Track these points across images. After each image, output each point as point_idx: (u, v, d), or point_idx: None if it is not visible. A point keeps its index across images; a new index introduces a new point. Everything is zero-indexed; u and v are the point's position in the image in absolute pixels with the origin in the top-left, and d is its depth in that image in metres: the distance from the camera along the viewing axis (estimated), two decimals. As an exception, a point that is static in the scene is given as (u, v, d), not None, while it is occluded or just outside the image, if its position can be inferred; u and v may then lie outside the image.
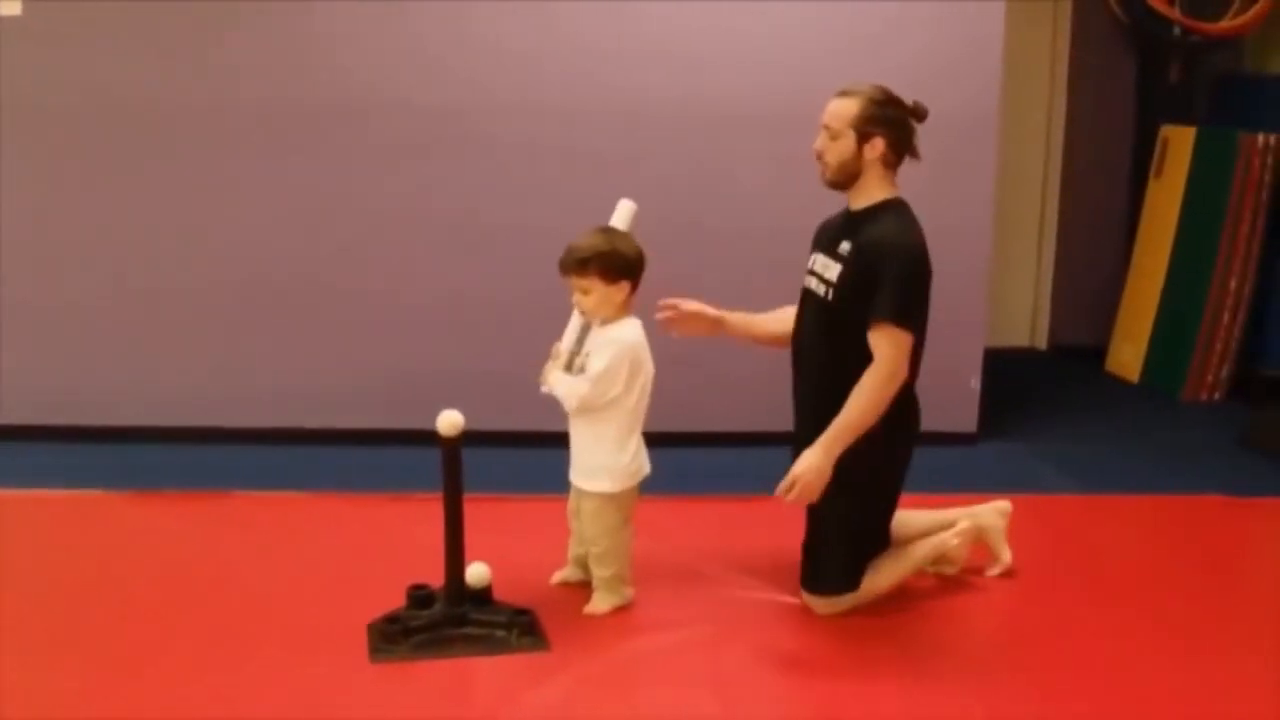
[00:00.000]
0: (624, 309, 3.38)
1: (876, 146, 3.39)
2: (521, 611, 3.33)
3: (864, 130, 3.37)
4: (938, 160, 5.11)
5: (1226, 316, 5.99)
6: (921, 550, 3.66)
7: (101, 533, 3.98)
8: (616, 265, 3.31)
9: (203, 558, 3.79)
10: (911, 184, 4.99)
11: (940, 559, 3.73)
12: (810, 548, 3.51)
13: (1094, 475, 4.92)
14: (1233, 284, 5.96)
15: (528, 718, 2.97)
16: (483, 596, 3.33)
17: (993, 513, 3.80)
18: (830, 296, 3.41)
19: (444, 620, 3.27)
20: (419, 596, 3.31)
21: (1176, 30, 6.28)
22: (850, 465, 3.30)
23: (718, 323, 3.71)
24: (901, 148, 3.42)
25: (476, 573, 3.32)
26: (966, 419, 5.19)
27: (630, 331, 3.36)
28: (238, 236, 4.92)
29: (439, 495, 3.27)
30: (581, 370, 3.37)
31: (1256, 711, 3.09)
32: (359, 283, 4.98)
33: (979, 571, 3.80)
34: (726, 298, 4.99)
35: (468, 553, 3.29)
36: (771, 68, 4.91)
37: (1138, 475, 4.94)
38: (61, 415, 4.93)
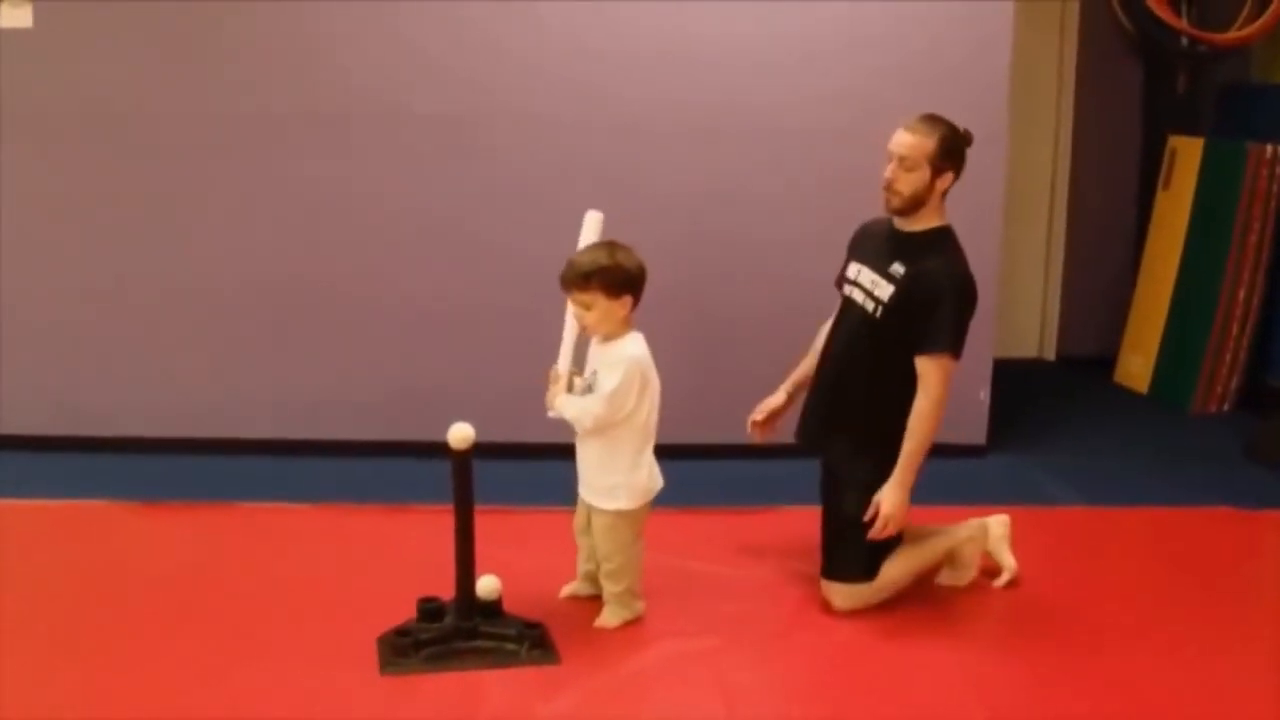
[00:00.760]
0: (626, 324, 3.38)
1: (946, 180, 3.53)
2: (532, 624, 3.33)
3: (939, 165, 3.48)
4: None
5: (1235, 328, 5.98)
6: (935, 544, 3.76)
7: (108, 543, 3.98)
8: (619, 279, 3.30)
9: (210, 569, 3.79)
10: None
11: (954, 561, 3.79)
12: (830, 539, 3.64)
13: (1102, 487, 4.91)
14: (1241, 295, 5.95)
15: (538, 731, 2.97)
16: (493, 609, 3.33)
17: (991, 522, 3.87)
18: (879, 314, 3.53)
19: (454, 633, 3.27)
20: (429, 609, 3.32)
21: (1184, 40, 6.27)
22: (869, 462, 3.50)
23: (789, 401, 3.87)
24: (958, 176, 3.56)
25: (487, 585, 3.32)
26: (975, 431, 5.18)
27: (636, 346, 3.37)
28: (242, 246, 4.91)
29: (448, 507, 3.27)
30: (588, 389, 3.37)
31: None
32: (366, 293, 4.98)
33: (987, 581, 3.80)
34: (729, 305, 5.04)
35: (478, 565, 3.29)
36: (775, 73, 4.90)
37: (1146, 487, 4.92)
38: (66, 426, 4.92)
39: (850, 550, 3.59)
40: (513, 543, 3.64)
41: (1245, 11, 6.12)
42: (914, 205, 3.52)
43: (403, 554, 3.88)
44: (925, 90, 4.97)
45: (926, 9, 4.92)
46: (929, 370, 3.44)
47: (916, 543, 3.73)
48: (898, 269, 3.52)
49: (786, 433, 3.86)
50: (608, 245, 3.36)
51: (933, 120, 3.52)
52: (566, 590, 3.61)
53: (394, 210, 4.93)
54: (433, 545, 3.42)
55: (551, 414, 3.41)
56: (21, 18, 4.61)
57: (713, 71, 4.90)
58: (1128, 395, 6.32)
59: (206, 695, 3.06)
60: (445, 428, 3.23)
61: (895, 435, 3.47)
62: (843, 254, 3.79)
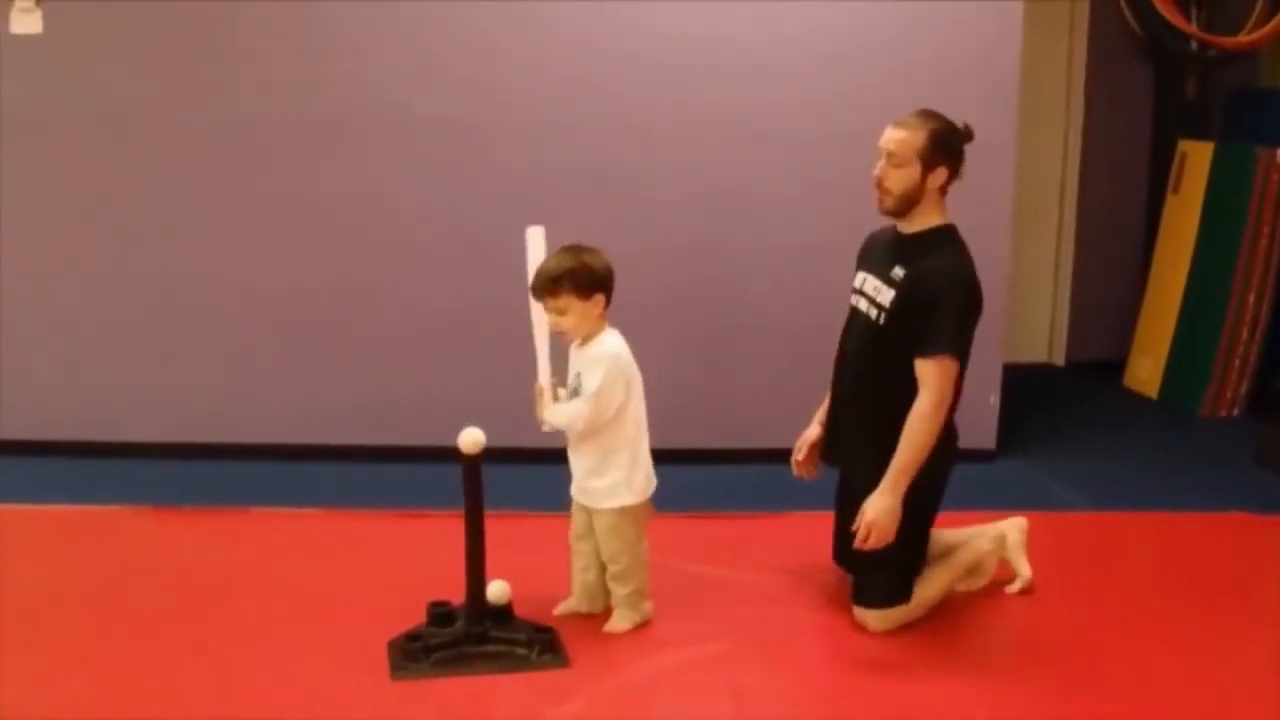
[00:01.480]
0: (601, 322, 3.39)
1: (940, 176, 3.44)
2: (542, 629, 3.33)
3: (930, 160, 3.41)
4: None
5: (1245, 332, 5.97)
6: (961, 558, 3.73)
7: (117, 549, 3.99)
8: (589, 279, 3.32)
9: (220, 574, 3.80)
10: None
11: (973, 568, 3.77)
12: (861, 566, 3.55)
13: (1112, 492, 4.90)
14: (1251, 299, 5.94)
15: (549, 735, 2.98)
16: (503, 613, 3.34)
17: (1011, 529, 3.84)
18: (882, 320, 3.47)
19: (465, 638, 3.27)
20: (439, 614, 3.32)
21: (1193, 44, 6.27)
22: (919, 481, 3.40)
23: (825, 432, 3.77)
24: (955, 173, 3.47)
25: (497, 590, 3.32)
26: (985, 436, 5.17)
27: (615, 343, 3.38)
28: (249, 251, 4.93)
29: (458, 512, 3.28)
30: (575, 394, 3.38)
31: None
32: (375, 298, 4.99)
33: (998, 587, 3.80)
34: (737, 310, 5.04)
35: (488, 570, 3.29)
36: (781, 77, 4.90)
37: (1155, 492, 4.92)
38: (74, 431, 4.93)
39: (882, 575, 3.51)
40: (523, 547, 3.64)
41: (1255, 15, 6.12)
42: (907, 204, 3.46)
43: (413, 559, 3.89)
44: (933, 94, 4.97)
45: (934, 12, 4.92)
46: (927, 372, 3.36)
47: (945, 559, 3.70)
48: (898, 272, 3.46)
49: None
50: (573, 248, 3.37)
51: (923, 115, 3.46)
52: (562, 608, 3.55)
53: (401, 215, 4.94)
54: (443, 550, 3.43)
55: (546, 428, 3.42)
56: (32, 24, 4.62)
57: (718, 75, 4.90)
58: (1137, 400, 6.31)
59: (216, 700, 3.06)
60: (455, 432, 3.23)
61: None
62: (851, 257, 3.76)
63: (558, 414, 3.37)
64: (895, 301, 3.44)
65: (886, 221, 3.59)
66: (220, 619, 3.48)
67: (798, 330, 4.84)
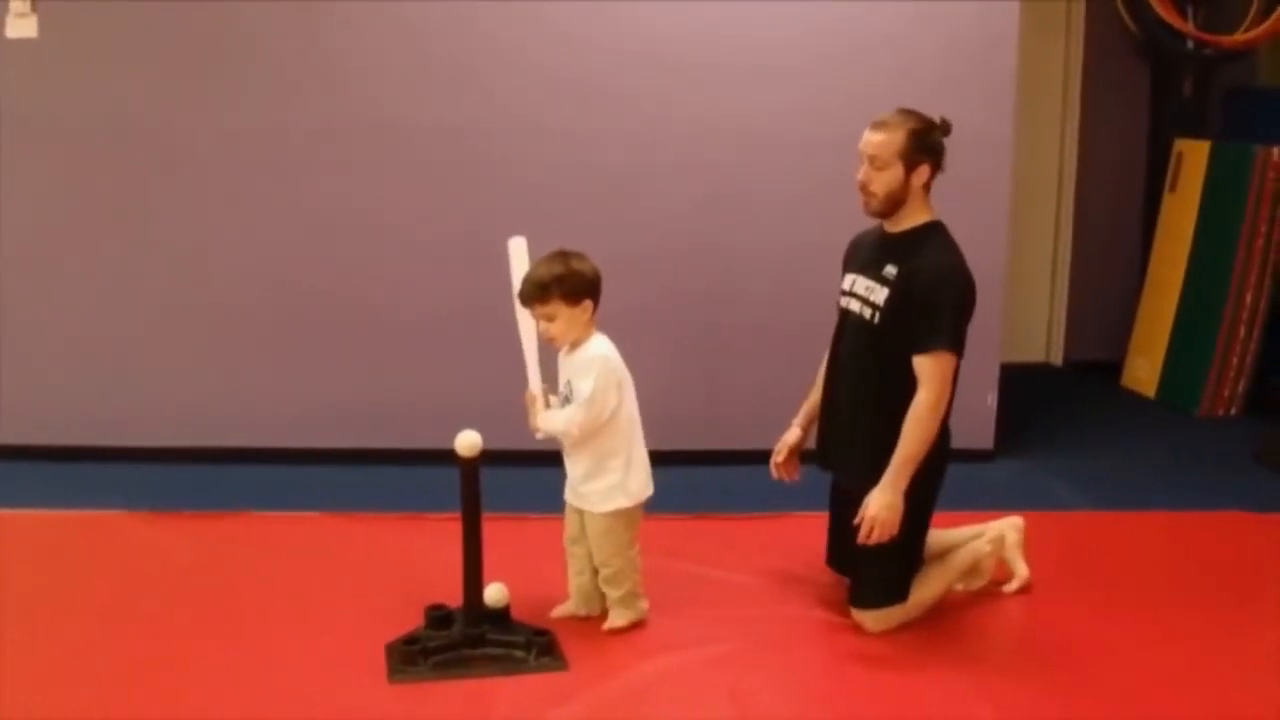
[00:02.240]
0: (589, 328, 3.38)
1: (922, 174, 3.45)
2: (540, 631, 3.33)
3: (911, 160, 3.42)
4: (951, 175, 5.12)
5: (1243, 331, 5.97)
6: (959, 559, 3.72)
7: (115, 553, 3.98)
8: (577, 286, 3.31)
9: (217, 578, 3.79)
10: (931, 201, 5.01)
11: (972, 569, 3.76)
12: (857, 567, 3.56)
13: (1110, 491, 4.90)
14: (1248, 298, 5.94)
15: (547, 738, 2.97)
16: (501, 616, 3.33)
17: (1004, 526, 3.84)
18: (878, 320, 3.46)
19: (462, 640, 3.27)
20: (437, 617, 3.32)
21: (1190, 43, 6.27)
22: (914, 481, 3.39)
23: (804, 434, 3.78)
24: (937, 169, 3.49)
25: (494, 593, 3.32)
26: (982, 436, 5.18)
27: (604, 346, 3.38)
28: (249, 256, 4.93)
29: (456, 515, 3.28)
30: (567, 400, 3.37)
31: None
32: (374, 302, 4.99)
33: (997, 586, 3.80)
34: (739, 313, 5.04)
35: (486, 573, 3.29)
36: (778, 80, 4.91)
37: (1154, 491, 4.92)
38: (74, 436, 4.93)
39: (879, 576, 3.51)
40: (521, 550, 3.63)
41: (1251, 14, 6.12)
42: (893, 205, 3.46)
43: (411, 562, 3.88)
44: (931, 94, 4.97)
45: (932, 12, 4.92)
46: (926, 368, 3.36)
47: (943, 560, 3.69)
48: (890, 270, 3.45)
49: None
50: (560, 254, 3.35)
51: (901, 114, 3.46)
52: (559, 611, 3.55)
53: (398, 220, 4.94)
54: (441, 553, 3.42)
55: (539, 435, 3.42)
56: (27, 28, 4.62)
57: (716, 77, 4.91)
58: (1135, 399, 6.31)
59: (215, 703, 3.06)
60: (453, 435, 3.23)
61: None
62: (849, 261, 3.77)
63: (552, 421, 3.37)
64: (890, 299, 3.43)
65: (873, 224, 3.60)
66: (218, 622, 3.48)
67: (797, 331, 4.82)
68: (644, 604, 3.50)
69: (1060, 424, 5.83)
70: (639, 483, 3.42)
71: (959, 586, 3.77)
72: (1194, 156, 6.18)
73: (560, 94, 4.89)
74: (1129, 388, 6.44)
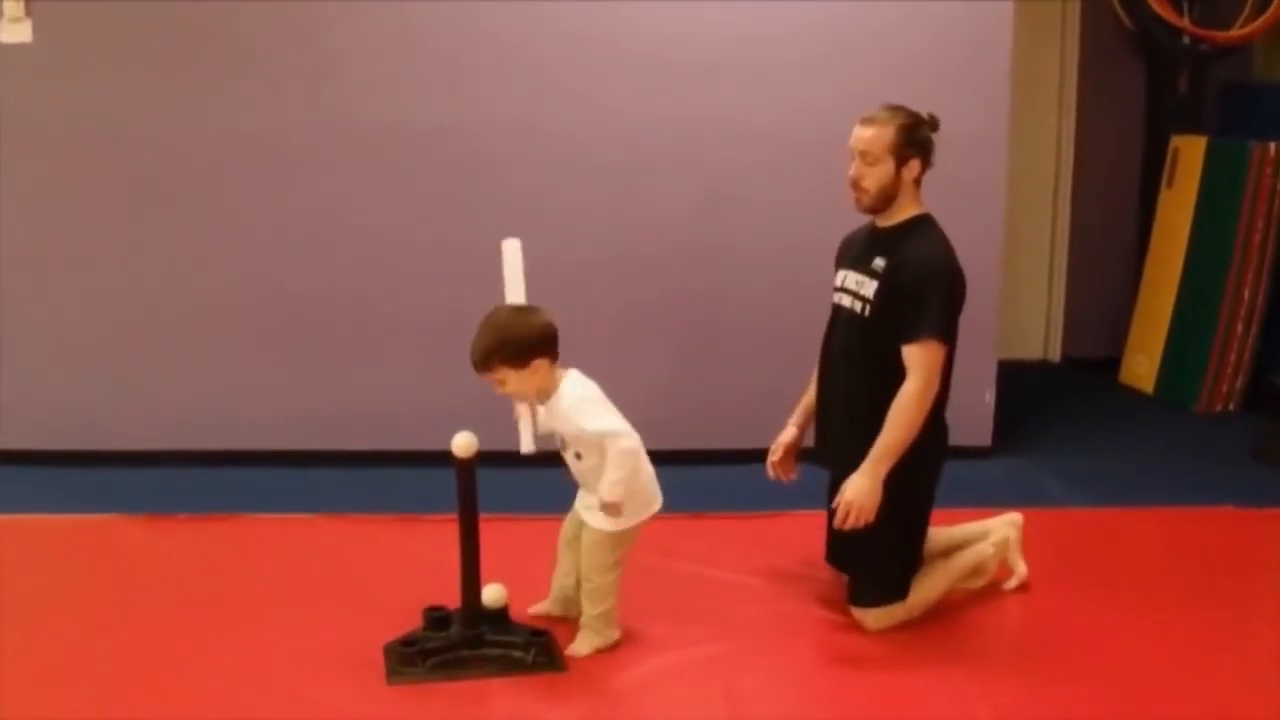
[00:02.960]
0: (551, 376, 3.26)
1: (913, 168, 3.47)
2: (538, 632, 3.33)
3: (902, 154, 3.44)
4: (948, 172, 5.11)
5: (1240, 327, 5.97)
6: (963, 560, 3.71)
7: (112, 557, 3.99)
8: (520, 349, 3.19)
9: (214, 581, 3.79)
10: (924, 199, 5.00)
11: (975, 570, 3.76)
12: (855, 566, 3.56)
13: (1108, 488, 4.90)
14: (1246, 294, 5.94)
15: (545, 739, 2.97)
16: (499, 617, 3.33)
17: (1005, 525, 3.83)
18: (868, 313, 3.47)
19: (461, 642, 3.27)
20: (435, 618, 3.32)
21: (1185, 39, 6.27)
22: (889, 483, 3.37)
23: (801, 432, 3.77)
24: (927, 163, 3.50)
25: (492, 594, 3.32)
26: (980, 433, 5.18)
27: (577, 388, 3.28)
28: (248, 259, 4.92)
29: (453, 516, 3.27)
30: (577, 456, 3.31)
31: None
32: (371, 305, 4.99)
33: (996, 584, 3.80)
34: (735, 312, 5.04)
35: (483, 574, 3.29)
36: (772, 79, 4.91)
37: (1152, 487, 4.91)
38: (72, 440, 4.93)
39: (877, 574, 3.51)
40: (519, 551, 3.62)
41: (1247, 10, 6.12)
42: (884, 200, 3.48)
43: (409, 563, 3.89)
44: (926, 92, 4.97)
45: (926, 11, 4.92)
46: (915, 357, 3.35)
47: (946, 560, 3.68)
48: (879, 263, 3.46)
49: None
50: (494, 321, 3.25)
51: (889, 110, 3.48)
52: (536, 609, 3.52)
53: (397, 222, 4.94)
54: (439, 554, 3.42)
55: (526, 450, 3.34)
56: (21, 33, 4.63)
57: (712, 76, 4.90)
58: (1133, 396, 6.31)
59: (213, 706, 3.06)
60: (449, 436, 3.23)
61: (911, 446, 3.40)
62: (844, 260, 3.76)
63: (600, 511, 3.26)
64: (879, 292, 3.44)
65: (866, 222, 3.61)
66: (216, 625, 3.48)
67: (795, 330, 4.81)
68: (616, 633, 3.40)
69: (1058, 421, 5.83)
70: (643, 501, 3.35)
71: (959, 585, 3.75)
72: (1190, 152, 6.18)
73: (558, 95, 4.89)
74: (1127, 384, 6.44)
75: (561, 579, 3.51)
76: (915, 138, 3.45)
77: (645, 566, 3.55)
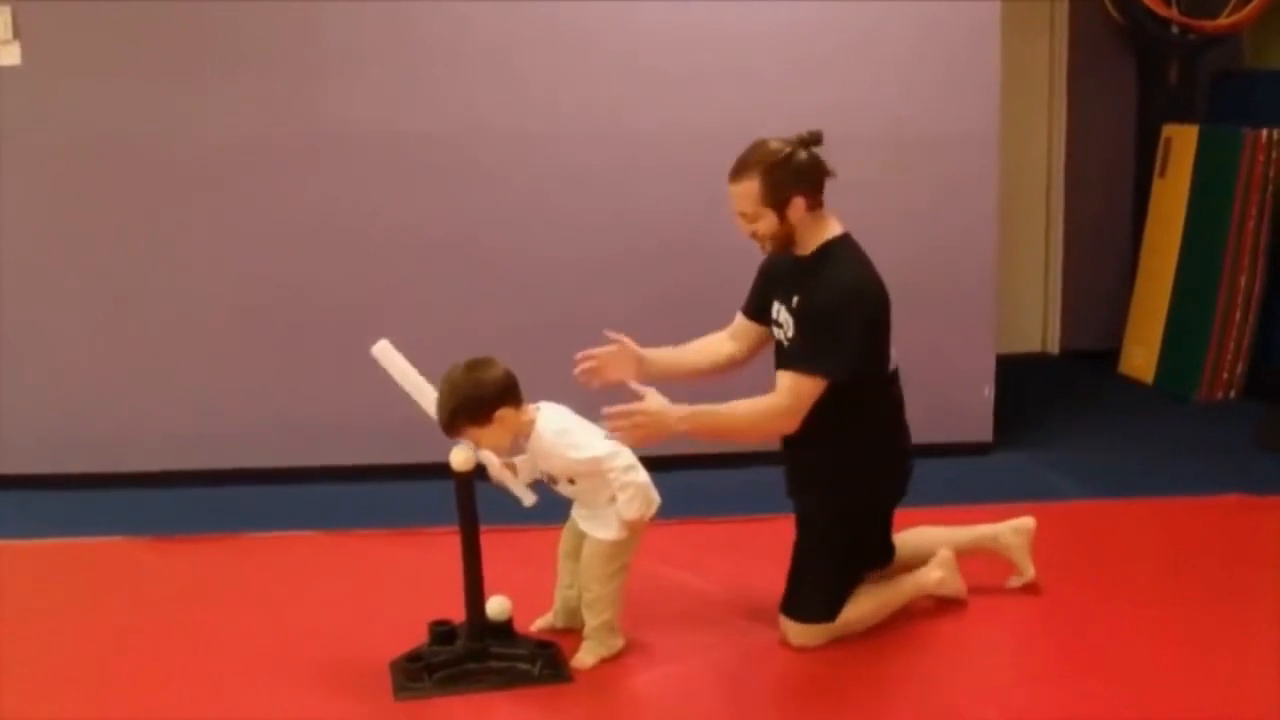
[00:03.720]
0: (521, 422, 3.24)
1: (798, 206, 3.28)
2: (544, 644, 3.32)
3: (777, 200, 3.26)
4: (940, 169, 5.13)
5: (1238, 314, 5.96)
6: (904, 588, 3.58)
7: (115, 578, 3.98)
8: (479, 407, 3.16)
9: (218, 600, 3.78)
10: (915, 193, 5.01)
11: (938, 590, 3.63)
12: (794, 575, 3.47)
13: (1110, 480, 4.90)
14: (1242, 281, 5.94)
15: (554, 750, 2.97)
16: (504, 629, 3.32)
17: (1011, 532, 3.74)
18: (791, 348, 3.37)
19: (466, 655, 3.25)
20: (440, 632, 3.30)
21: (1174, 29, 6.27)
22: (813, 497, 3.37)
23: (640, 361, 3.57)
24: (818, 186, 3.32)
25: (497, 606, 3.31)
26: (981, 428, 5.18)
27: (553, 422, 3.25)
28: (244, 273, 4.91)
29: (455, 529, 3.26)
30: (571, 482, 3.29)
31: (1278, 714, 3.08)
32: (369, 317, 4.96)
33: (1000, 580, 3.78)
34: (728, 315, 5.01)
35: (487, 586, 3.28)
36: (762, 81, 4.90)
37: (1154, 478, 4.91)
38: (71, 463, 4.92)
39: (808, 589, 3.41)
40: (522, 562, 3.62)
41: (1234, -1, 6.13)
42: (787, 242, 3.34)
43: (413, 578, 3.88)
44: (914, 91, 4.99)
45: (913, 8, 4.91)
46: (785, 383, 3.25)
47: (882, 584, 3.55)
48: (795, 300, 3.33)
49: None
50: (459, 376, 3.21)
51: (752, 157, 3.28)
52: (540, 623, 3.51)
53: (395, 232, 4.94)
54: (443, 568, 3.41)
55: (528, 503, 3.32)
56: (10, 56, 4.63)
57: (703, 80, 4.89)
58: (1133, 386, 6.31)
59: (220, 727, 3.06)
60: (448, 450, 3.21)
61: (835, 468, 3.36)
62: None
63: (631, 512, 3.23)
64: (795, 329, 3.33)
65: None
66: (221, 644, 3.47)
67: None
68: (619, 642, 3.38)
69: (1058, 414, 5.83)
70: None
71: (943, 591, 3.65)
72: (1183, 142, 6.18)
73: (556, 100, 4.89)
74: (1126, 375, 6.44)
75: (564, 591, 3.50)
76: (787, 175, 3.25)
77: (647, 574, 3.54)
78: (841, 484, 3.38)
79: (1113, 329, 6.57)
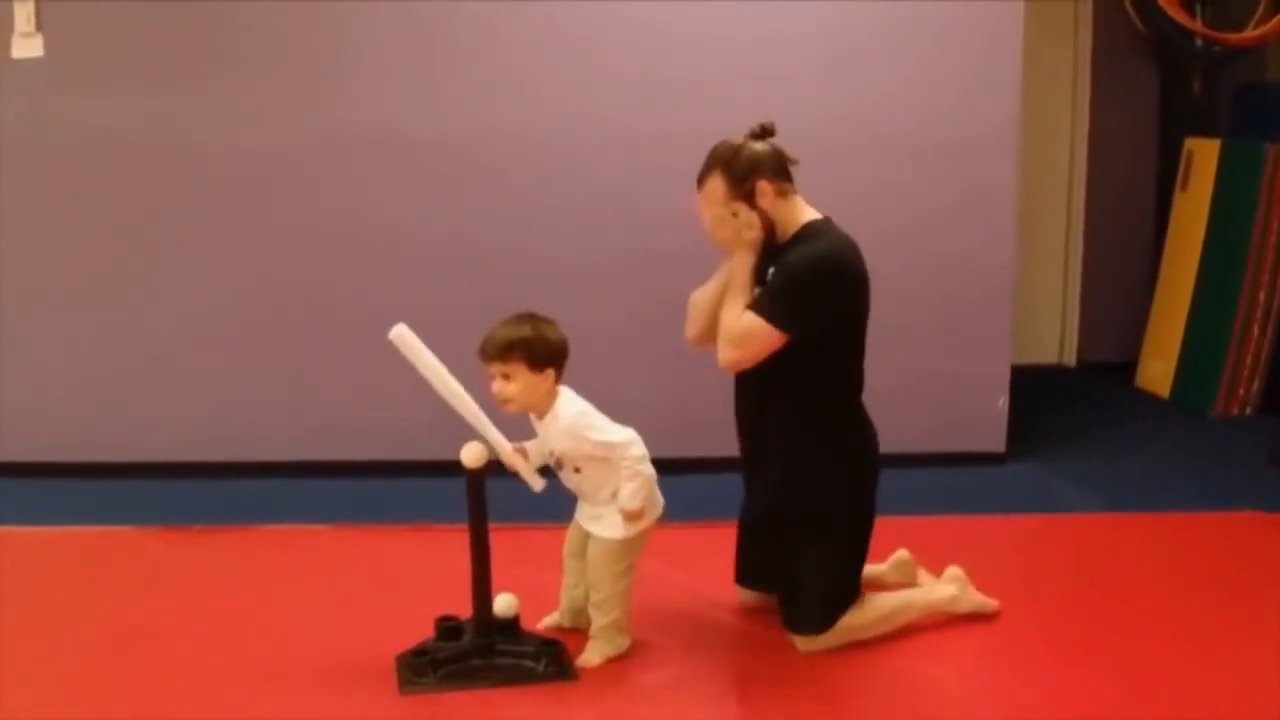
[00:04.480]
0: (552, 396, 3.25)
1: (765, 191, 3.29)
2: (550, 641, 3.32)
3: (744, 190, 3.29)
4: (959, 174, 5.10)
5: (1256, 330, 5.93)
6: (914, 600, 3.57)
7: (124, 568, 3.99)
8: (543, 351, 3.18)
9: (226, 593, 3.79)
10: (933, 198, 4.99)
11: (952, 608, 3.60)
12: (788, 590, 3.46)
13: (1124, 493, 4.87)
14: (1261, 296, 5.90)
15: (557, 749, 2.96)
16: (510, 627, 3.32)
17: (951, 583, 3.65)
18: None
19: (472, 651, 3.26)
20: (447, 628, 3.30)
21: (1198, 42, 6.24)
22: (824, 510, 3.35)
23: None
24: (782, 171, 3.34)
25: (503, 603, 3.31)
26: (994, 438, 5.15)
27: (574, 404, 3.26)
28: (255, 271, 4.93)
29: (464, 526, 3.27)
30: (576, 470, 3.29)
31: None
32: (379, 315, 4.96)
33: (1008, 591, 3.75)
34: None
35: (494, 583, 3.28)
36: (780, 85, 4.86)
37: (1169, 492, 4.89)
38: (81, 453, 4.94)
39: (808, 602, 3.40)
40: (529, 560, 3.62)
41: (1259, 12, 6.09)
42: (768, 233, 3.34)
43: (420, 573, 3.89)
44: (934, 96, 4.98)
45: (935, 14, 4.90)
46: (745, 321, 3.24)
47: (884, 593, 3.55)
48: (770, 272, 3.33)
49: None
50: (529, 317, 3.24)
51: (708, 161, 3.33)
52: (547, 622, 3.50)
53: (404, 233, 4.95)
54: (450, 564, 3.41)
55: (538, 488, 3.32)
56: (33, 48, 4.65)
57: (715, 84, 4.86)
58: (1149, 400, 6.28)
59: (225, 717, 3.06)
60: (459, 447, 3.22)
61: (814, 461, 3.35)
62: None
63: (633, 502, 3.23)
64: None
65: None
66: (225, 636, 3.48)
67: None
68: (626, 641, 3.38)
69: (1073, 426, 5.81)
70: (650, 506, 3.33)
71: (947, 609, 3.62)
72: (1204, 155, 6.15)
73: (564, 104, 4.89)
74: (1143, 388, 6.40)
75: (570, 590, 3.49)
76: (745, 166, 3.28)
77: (654, 575, 3.54)
78: (846, 492, 3.37)
79: (1131, 341, 6.54)
